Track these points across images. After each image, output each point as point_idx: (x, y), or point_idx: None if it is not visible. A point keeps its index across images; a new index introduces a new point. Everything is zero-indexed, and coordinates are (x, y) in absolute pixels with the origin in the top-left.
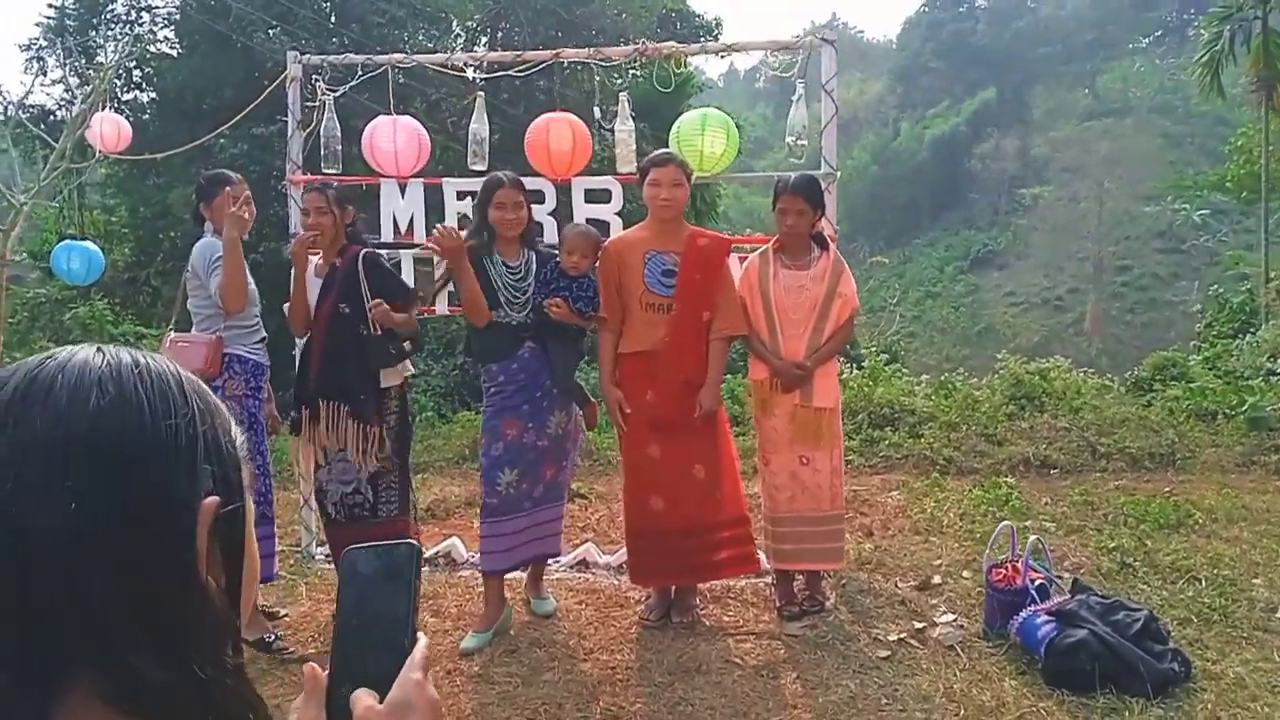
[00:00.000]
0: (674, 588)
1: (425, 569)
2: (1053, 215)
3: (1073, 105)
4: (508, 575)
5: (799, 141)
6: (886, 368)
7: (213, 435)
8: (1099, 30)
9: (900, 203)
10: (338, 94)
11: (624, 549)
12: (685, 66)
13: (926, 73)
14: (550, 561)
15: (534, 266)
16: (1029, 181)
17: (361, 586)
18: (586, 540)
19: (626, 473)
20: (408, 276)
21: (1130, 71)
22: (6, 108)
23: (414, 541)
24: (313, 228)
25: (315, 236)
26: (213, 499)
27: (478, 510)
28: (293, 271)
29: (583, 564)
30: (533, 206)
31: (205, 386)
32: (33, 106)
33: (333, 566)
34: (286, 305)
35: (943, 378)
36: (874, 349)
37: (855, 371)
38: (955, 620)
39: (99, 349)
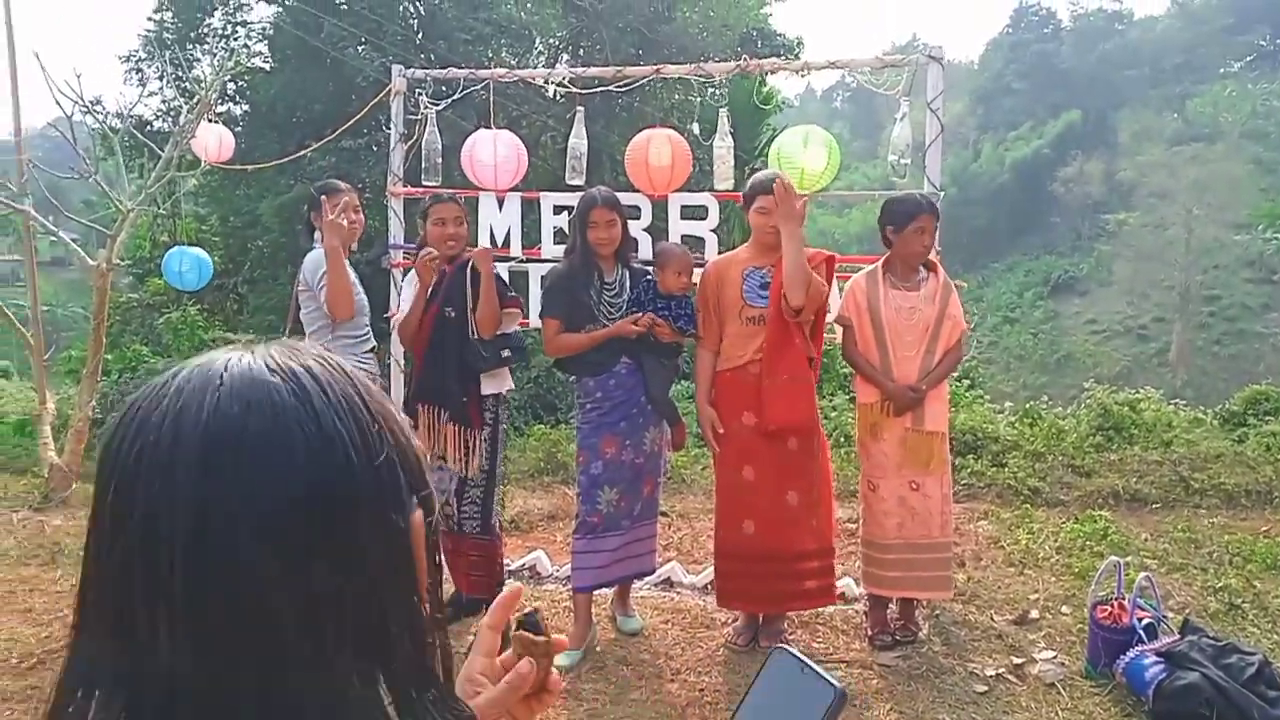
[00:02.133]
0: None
1: (511, 582)
2: (1138, 241)
3: (1160, 129)
4: (594, 592)
5: (902, 160)
6: (968, 394)
7: (404, 446)
8: (1188, 53)
9: (979, 225)
10: (440, 107)
11: (709, 569)
12: (764, 85)
13: (1009, 94)
14: (636, 580)
15: (628, 283)
16: (1113, 207)
17: (778, 688)
18: (671, 559)
19: (719, 494)
20: None
21: (1221, 96)
22: (108, 117)
23: (842, 690)
24: (450, 238)
25: (434, 256)
26: (419, 515)
27: (560, 523)
28: (402, 283)
29: (667, 583)
30: (629, 222)
31: (373, 385)
32: (131, 116)
33: None
34: (389, 315)
35: (1027, 405)
36: (956, 374)
37: None
38: (1055, 657)
39: (266, 362)
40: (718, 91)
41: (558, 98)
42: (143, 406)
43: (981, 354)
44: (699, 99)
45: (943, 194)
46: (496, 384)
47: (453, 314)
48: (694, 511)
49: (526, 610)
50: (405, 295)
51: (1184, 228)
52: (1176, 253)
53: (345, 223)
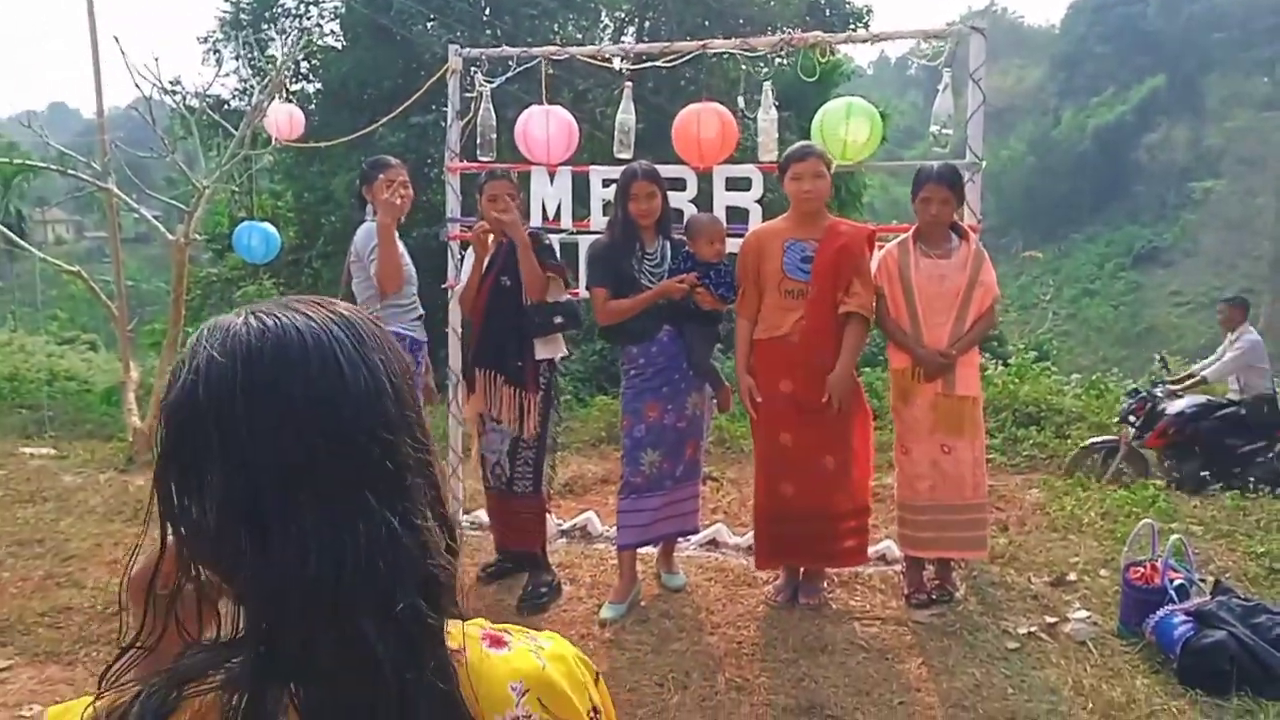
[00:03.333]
0: (802, 570)
1: (563, 541)
2: (1225, 210)
3: (1250, 94)
4: (640, 550)
5: (944, 131)
6: (1035, 366)
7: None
8: None
9: (1058, 195)
10: (494, 85)
11: (752, 530)
12: (833, 54)
13: (1091, 59)
14: (681, 540)
15: (668, 253)
16: (1200, 174)
17: None
18: (718, 521)
19: (758, 459)
20: None
21: None
22: (185, 97)
23: None
24: (504, 211)
25: (486, 229)
26: None
27: (613, 487)
28: (460, 254)
29: (713, 544)
30: (673, 194)
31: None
32: (209, 96)
33: (479, 533)
34: (448, 285)
35: (1094, 376)
36: (1022, 346)
37: (1001, 369)
38: (1089, 617)
39: (306, 315)
40: (782, 63)
41: (623, 72)
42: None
43: (1058, 326)
44: (750, 70)
45: (983, 164)
46: (550, 349)
47: (508, 283)
48: (744, 478)
49: None
50: (465, 266)
51: (1274, 195)
52: (1266, 222)
53: (398, 199)
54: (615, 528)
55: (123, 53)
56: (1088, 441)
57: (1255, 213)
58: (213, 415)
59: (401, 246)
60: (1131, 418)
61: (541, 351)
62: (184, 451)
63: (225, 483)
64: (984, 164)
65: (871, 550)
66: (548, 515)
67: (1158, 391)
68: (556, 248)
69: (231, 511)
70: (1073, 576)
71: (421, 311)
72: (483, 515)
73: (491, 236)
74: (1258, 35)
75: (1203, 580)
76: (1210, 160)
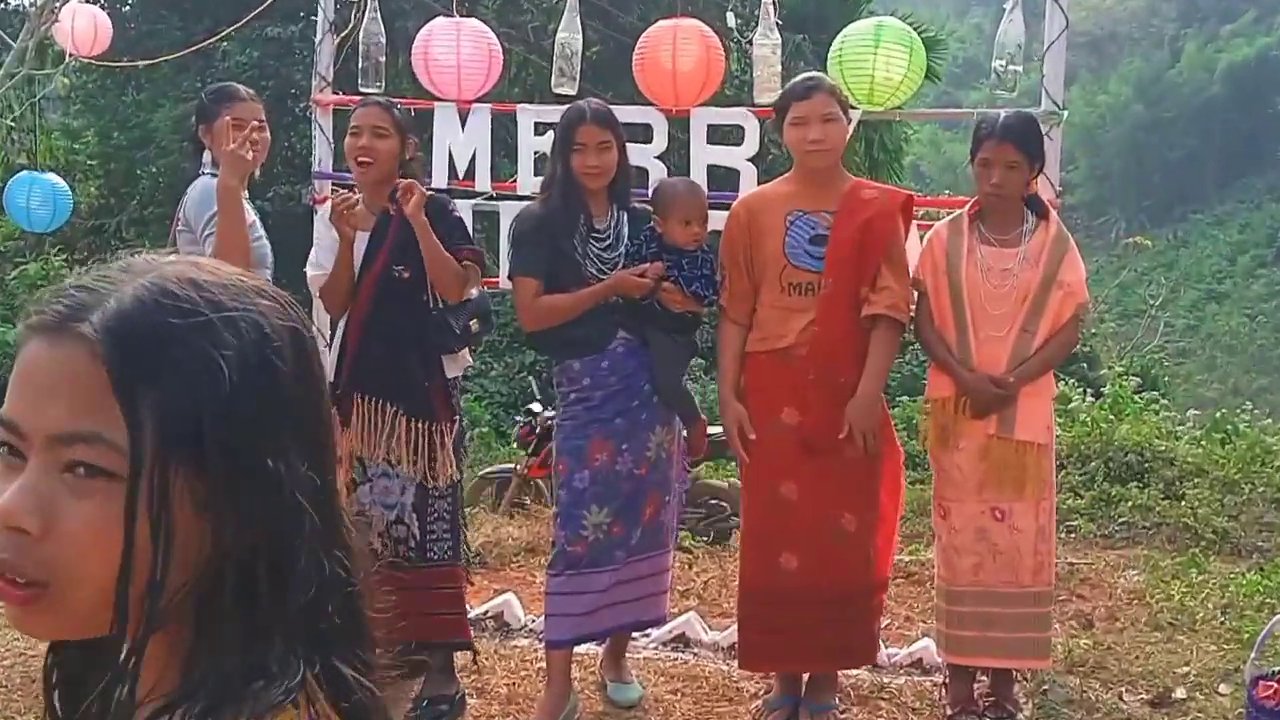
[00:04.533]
0: (806, 678)
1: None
2: None
3: None
4: (578, 649)
5: (1011, 67)
6: (1138, 398)
7: None
8: None
9: (1176, 159)
10: None
11: (737, 623)
12: None
13: None
14: (637, 635)
15: (625, 231)
16: None
17: None
18: (689, 609)
19: (748, 517)
20: None
21: None
22: None
23: None
24: (363, 152)
25: (356, 202)
26: None
27: (541, 559)
28: (317, 231)
29: (681, 640)
30: (635, 147)
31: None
32: None
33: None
34: (310, 270)
35: (1219, 414)
36: (1121, 370)
37: (1090, 401)
38: None
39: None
40: None
41: None
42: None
43: (1171, 342)
44: None
45: (1065, 114)
46: (459, 364)
47: (405, 274)
48: (729, 548)
49: None
50: (323, 244)
51: None
52: None
53: (249, 154)
54: (544, 616)
55: None
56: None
57: None
58: None
59: (252, 214)
60: None
61: (451, 368)
62: None
63: None
64: (1066, 114)
65: (906, 652)
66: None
67: None
68: (469, 220)
69: None
70: (1180, 693)
71: None
72: None
73: (363, 202)
74: None
75: None
76: None
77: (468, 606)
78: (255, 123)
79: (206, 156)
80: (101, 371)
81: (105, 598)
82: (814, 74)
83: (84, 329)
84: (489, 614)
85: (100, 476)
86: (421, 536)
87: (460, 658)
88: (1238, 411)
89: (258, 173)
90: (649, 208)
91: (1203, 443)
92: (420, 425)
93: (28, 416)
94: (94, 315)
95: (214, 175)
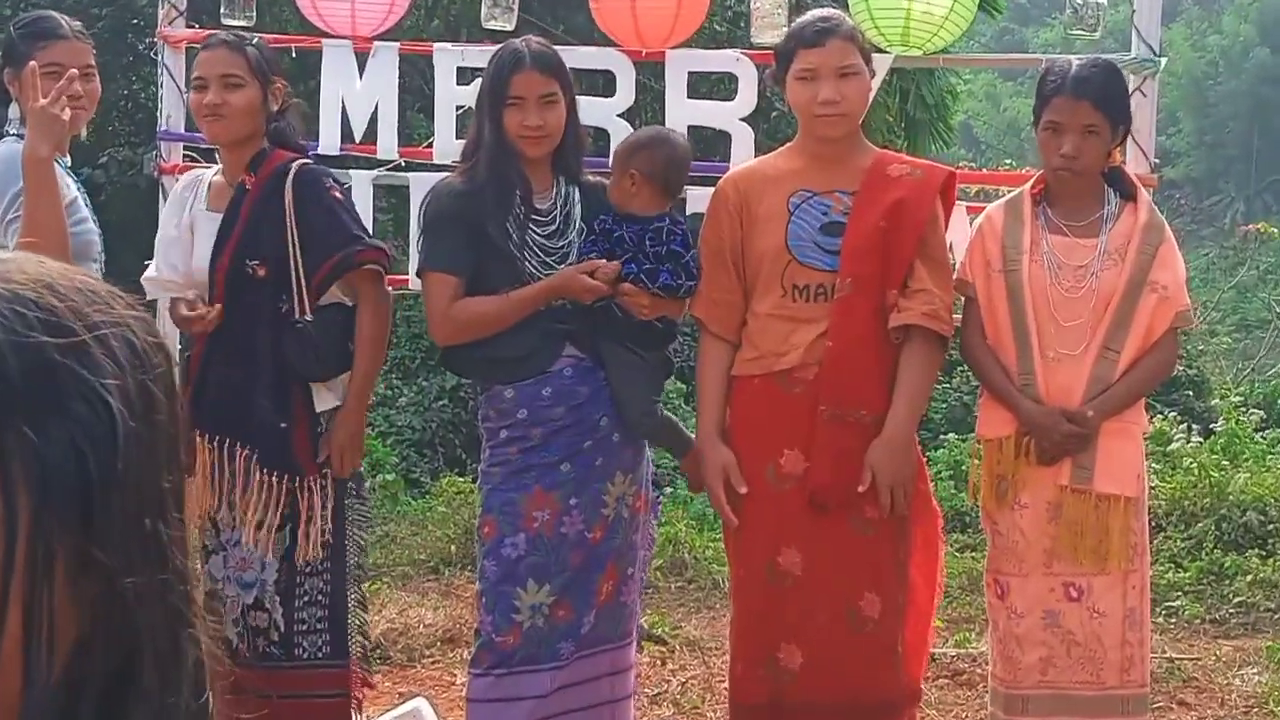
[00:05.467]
0: None
1: None
2: None
3: None
4: None
5: (1091, 2)
6: (1260, 437)
7: None
8: None
9: None
10: None
11: None
12: None
13: None
14: None
15: (577, 211)
16: None
17: None
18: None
19: (738, 599)
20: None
21: None
22: None
23: None
24: (211, 110)
25: (70, 102)
26: None
27: (463, 652)
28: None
29: None
30: (590, 100)
31: None
32: None
33: None
34: (151, 272)
35: None
36: (1238, 400)
37: (1196, 441)
38: None
39: None
40: None
41: None
42: None
43: None
44: None
45: (1162, 63)
46: (332, 395)
47: (260, 270)
48: (715, 638)
49: None
50: (169, 236)
51: None
52: None
53: (64, 111)
54: None
55: None
56: None
57: None
58: None
59: (73, 189)
60: None
61: (324, 399)
62: None
63: None
64: (1164, 61)
65: None
66: (356, 702)
67: None
68: (367, 198)
69: None
70: None
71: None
72: None
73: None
74: None
75: None
76: None
77: (368, 714)
78: (76, 70)
79: (13, 111)
80: None
81: None
82: (829, 11)
83: None
84: None
85: None
86: (287, 628)
87: None
88: None
89: (84, 133)
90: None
91: None
92: (275, 478)
93: None
94: None
95: (20, 137)
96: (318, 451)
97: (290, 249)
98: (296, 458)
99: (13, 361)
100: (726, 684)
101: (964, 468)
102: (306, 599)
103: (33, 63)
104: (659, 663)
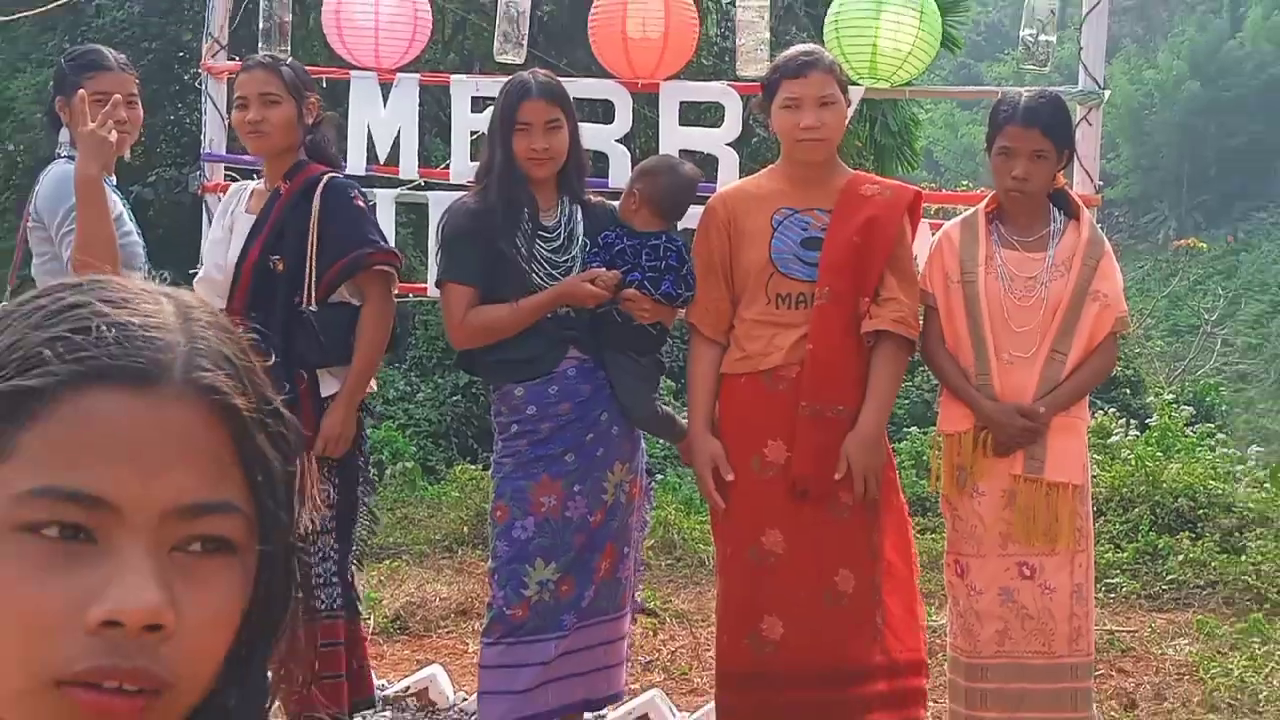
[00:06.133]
0: None
1: (387, 715)
2: None
3: None
4: None
5: (1042, 37)
6: (1190, 431)
7: None
8: None
9: (1237, 146)
10: None
11: (711, 702)
12: None
13: None
14: (590, 715)
15: (580, 228)
16: None
17: None
18: (653, 685)
19: (723, 577)
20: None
21: None
22: None
23: None
24: (253, 126)
25: (115, 127)
26: None
27: (474, 624)
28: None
29: None
30: (592, 127)
31: None
32: None
33: None
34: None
35: None
36: (1170, 398)
37: (1133, 435)
38: None
39: None
40: None
41: None
42: None
43: (1229, 365)
44: None
45: (1106, 95)
46: (341, 382)
47: (279, 265)
48: (701, 611)
49: None
50: (218, 242)
51: None
52: None
53: (111, 134)
54: (477, 694)
55: None
56: None
57: None
58: None
59: (120, 206)
60: None
61: (329, 385)
62: None
63: None
64: (1107, 93)
65: None
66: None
67: None
68: (390, 214)
69: None
70: None
71: None
72: None
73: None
74: None
75: None
76: None
77: (380, 682)
78: (121, 97)
79: (64, 135)
80: (221, 431)
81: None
82: (810, 46)
83: (194, 379)
84: (410, 690)
85: (221, 552)
86: (308, 584)
87: None
88: None
89: (128, 154)
90: (610, 203)
91: (1266, 485)
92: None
93: (136, 491)
94: (182, 363)
95: (72, 159)
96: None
97: (309, 247)
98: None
99: (247, 380)
100: (713, 653)
101: (925, 458)
102: (320, 555)
103: (82, 91)
104: (651, 633)
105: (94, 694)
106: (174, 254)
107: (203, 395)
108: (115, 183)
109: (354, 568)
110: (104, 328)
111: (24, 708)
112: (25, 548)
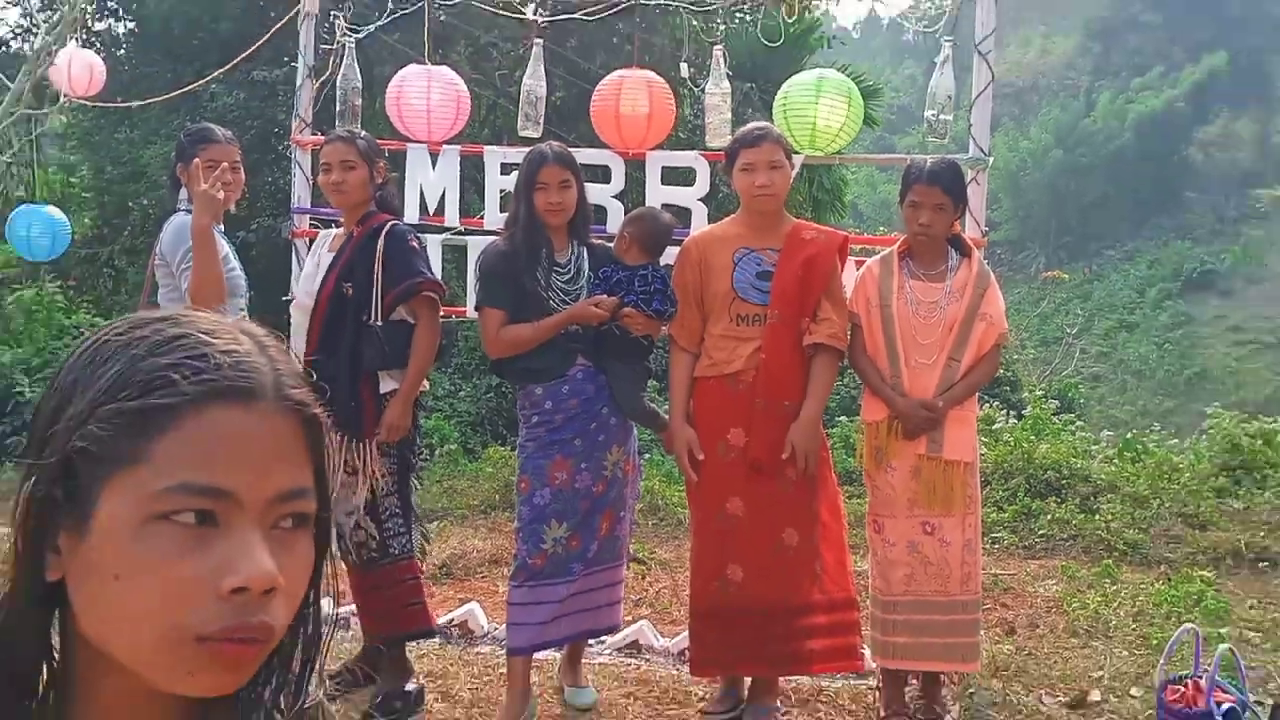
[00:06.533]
0: (749, 682)
1: (435, 641)
2: None
3: None
4: (538, 655)
5: (941, 116)
6: (1056, 419)
7: None
8: None
9: (1090, 200)
10: (361, 35)
11: (686, 630)
12: (807, 12)
13: (1135, 29)
14: (593, 643)
15: (585, 264)
16: (1268, 179)
17: None
18: (643, 618)
19: (696, 534)
20: (435, 266)
21: None
22: None
23: None
24: (335, 186)
25: (223, 187)
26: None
27: (504, 570)
28: (313, 253)
29: (634, 647)
30: (593, 186)
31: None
32: None
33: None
34: (290, 299)
35: (1130, 434)
36: (1041, 393)
37: (1012, 422)
38: None
39: None
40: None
41: (535, 23)
42: None
43: (1087, 368)
44: (700, 29)
45: (990, 160)
46: (398, 383)
47: (350, 290)
48: (680, 561)
49: None
50: (304, 272)
51: None
52: None
53: (220, 192)
54: (505, 625)
55: None
56: None
57: None
58: None
59: (227, 248)
60: None
61: (388, 384)
62: None
63: None
64: (991, 159)
65: None
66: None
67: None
68: (437, 254)
69: None
70: (1096, 696)
71: None
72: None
73: (342, 224)
74: None
75: (1259, 704)
76: None
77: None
78: (227, 164)
79: (183, 193)
80: (300, 433)
81: None
82: (762, 123)
83: (285, 394)
84: (454, 622)
85: (302, 525)
86: (381, 536)
87: (424, 661)
88: (1147, 432)
89: (233, 208)
90: (607, 244)
91: (1115, 461)
92: (344, 439)
93: (251, 483)
94: (272, 382)
95: (189, 212)
96: (377, 424)
97: (375, 277)
98: (361, 426)
99: (310, 398)
100: (689, 592)
101: (852, 441)
102: (388, 513)
103: (197, 159)
104: (640, 578)
105: (230, 645)
106: (269, 284)
107: (291, 406)
108: (224, 230)
109: (414, 524)
110: (217, 355)
111: (163, 657)
112: (163, 532)
